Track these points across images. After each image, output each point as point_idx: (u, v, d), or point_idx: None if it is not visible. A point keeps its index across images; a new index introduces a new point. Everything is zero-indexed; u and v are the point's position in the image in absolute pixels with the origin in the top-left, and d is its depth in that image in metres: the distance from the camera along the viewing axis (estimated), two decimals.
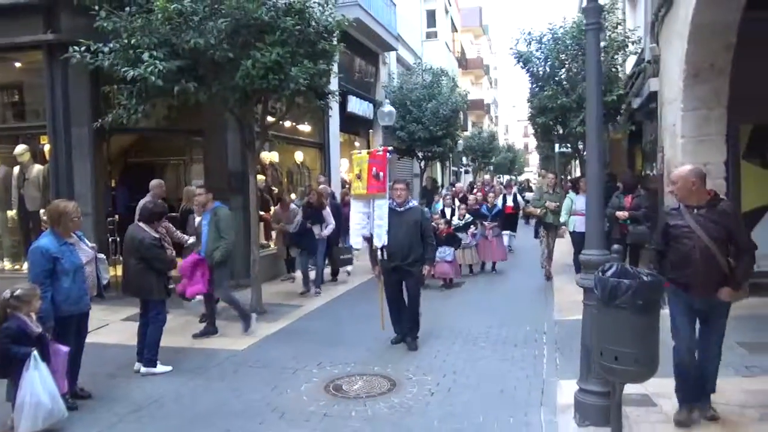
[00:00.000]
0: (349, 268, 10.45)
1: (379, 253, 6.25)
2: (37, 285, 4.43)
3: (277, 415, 4.54)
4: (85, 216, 6.60)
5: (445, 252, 9.26)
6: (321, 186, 10.36)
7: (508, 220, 13.35)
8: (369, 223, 6.24)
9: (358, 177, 6.29)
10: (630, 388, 3.94)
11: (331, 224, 9.22)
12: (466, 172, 35.41)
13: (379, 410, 4.57)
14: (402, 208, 6.17)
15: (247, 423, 4.39)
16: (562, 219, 9.28)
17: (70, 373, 4.67)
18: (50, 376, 4.18)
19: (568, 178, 15.95)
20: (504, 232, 13.24)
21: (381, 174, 6.05)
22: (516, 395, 4.80)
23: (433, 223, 8.97)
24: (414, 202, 6.42)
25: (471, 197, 12.98)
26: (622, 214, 8.01)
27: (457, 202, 11.74)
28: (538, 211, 10.09)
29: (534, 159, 53.30)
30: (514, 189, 18.21)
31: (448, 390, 4.97)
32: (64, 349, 4.50)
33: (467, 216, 10.38)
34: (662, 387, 4.44)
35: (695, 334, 4.03)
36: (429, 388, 5.01)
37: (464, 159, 33.19)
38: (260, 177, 10.64)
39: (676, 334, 4.02)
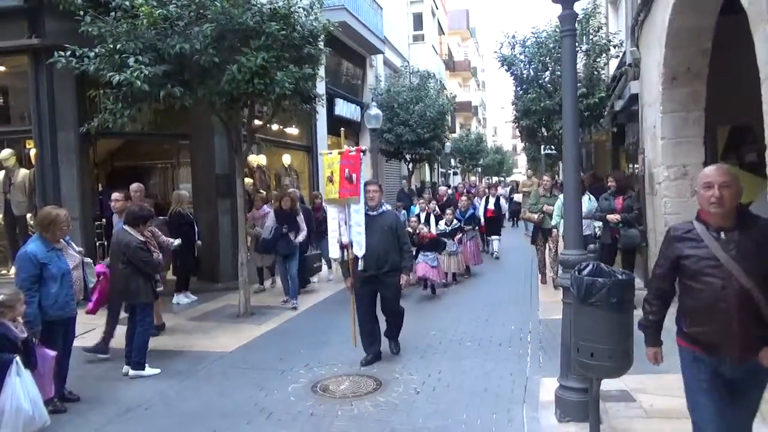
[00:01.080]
0: (315, 278, 10.08)
1: (359, 263, 5.70)
2: (24, 290, 4.46)
3: (264, 415, 4.61)
4: (72, 220, 6.61)
5: (427, 257, 8.94)
6: (290, 190, 9.73)
7: (490, 224, 13.07)
8: (346, 230, 5.70)
9: (330, 180, 5.74)
10: (610, 385, 4.06)
11: (303, 230, 8.74)
12: (455, 173, 35.58)
13: (365, 409, 4.64)
14: (375, 212, 5.72)
15: (235, 423, 4.45)
16: (553, 221, 8.71)
17: (58, 377, 4.70)
18: (33, 382, 4.15)
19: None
20: (489, 237, 13.22)
21: (354, 176, 5.54)
22: (499, 393, 4.89)
23: (408, 228, 8.61)
24: (387, 206, 5.98)
25: (463, 200, 12.25)
26: (613, 218, 7.62)
27: (435, 207, 11.16)
28: (536, 216, 9.35)
29: (523, 160, 53.63)
30: (500, 191, 18.24)
31: (433, 389, 5.06)
32: (51, 353, 4.52)
33: (455, 222, 10.00)
34: (641, 383, 4.59)
35: (727, 412, 2.80)
36: (414, 387, 5.10)
37: (452, 161, 33.34)
38: (248, 180, 10.69)
39: (697, 419, 2.89)
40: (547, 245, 9.35)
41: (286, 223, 8.47)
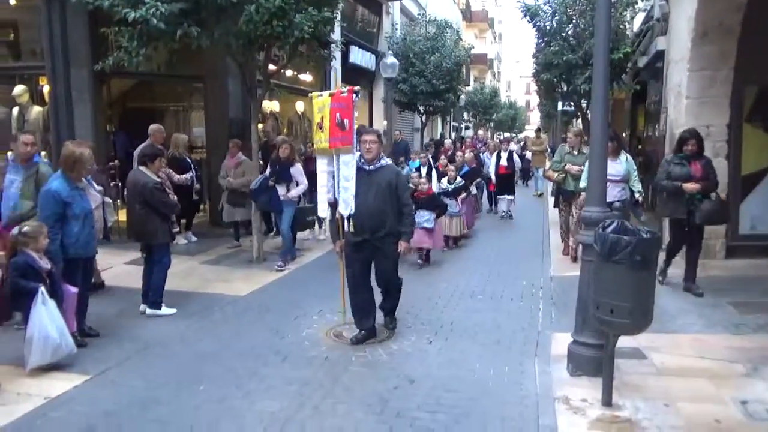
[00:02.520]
0: (308, 233, 9.27)
1: (345, 224, 4.90)
2: (43, 224, 4.50)
3: (279, 358, 4.69)
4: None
5: (423, 217, 7.51)
6: (280, 137, 8.84)
7: (503, 182, 12.37)
8: (334, 185, 5.01)
9: (320, 126, 5.01)
10: (622, 342, 4.07)
11: (303, 184, 7.83)
12: (467, 128, 35.18)
13: (378, 356, 4.72)
14: (372, 167, 4.87)
15: (252, 363, 4.54)
16: (581, 184, 7.25)
17: (78, 313, 4.79)
18: (58, 312, 4.29)
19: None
20: (500, 196, 12.46)
21: (346, 122, 4.82)
22: (511, 346, 4.95)
23: (410, 183, 7.72)
24: (387, 160, 5.12)
25: (459, 155, 11.62)
26: (692, 187, 5.91)
27: (444, 160, 10.21)
28: (555, 175, 8.12)
29: (535, 117, 52.85)
30: (512, 146, 17.84)
31: (445, 339, 5.12)
32: (73, 289, 4.62)
33: (458, 179, 9.04)
34: (653, 341, 4.62)
35: None
36: (427, 337, 5.16)
37: (465, 115, 32.92)
38: (261, 126, 10.58)
39: None
40: (571, 211, 8.04)
41: (276, 175, 7.57)
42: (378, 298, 5.22)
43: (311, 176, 7.25)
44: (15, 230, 4.32)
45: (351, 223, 4.85)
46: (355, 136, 4.84)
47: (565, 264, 7.79)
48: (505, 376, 4.33)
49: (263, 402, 3.89)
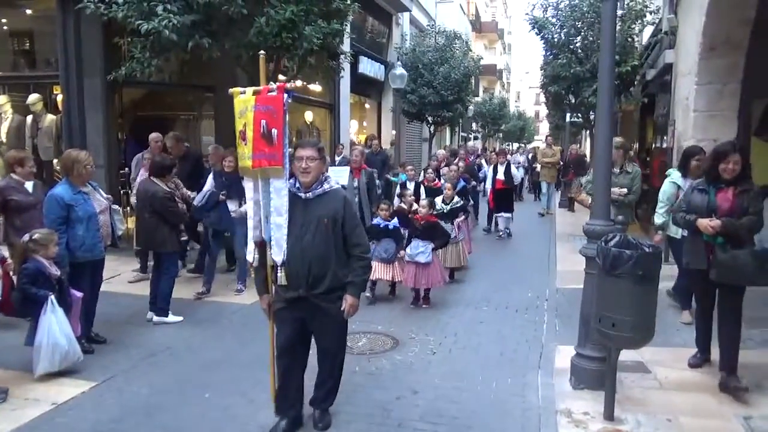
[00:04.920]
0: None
1: (277, 273, 3.47)
2: (54, 231, 4.59)
3: None
4: (97, 167, 6.71)
5: (416, 249, 6.33)
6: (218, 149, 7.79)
7: (500, 198, 10.90)
8: (261, 220, 3.55)
9: (243, 136, 3.50)
10: (626, 355, 4.08)
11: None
12: (475, 138, 35.22)
13: (382, 366, 4.74)
14: (310, 194, 3.48)
15: (255, 373, 4.56)
16: (658, 220, 5.63)
17: (85, 318, 4.86)
18: (66, 320, 4.37)
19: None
20: (498, 214, 11.04)
21: (275, 133, 3.35)
22: (515, 358, 4.96)
23: (402, 203, 7.16)
24: (333, 182, 3.62)
25: (445, 170, 9.77)
26: (712, 225, 4.02)
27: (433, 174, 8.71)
28: (590, 200, 5.35)
29: (544, 128, 52.80)
30: (518, 158, 17.69)
31: (449, 351, 5.14)
32: (78, 294, 4.69)
33: (455, 199, 7.46)
34: (657, 355, 4.62)
35: None
36: (431, 347, 5.18)
37: (474, 125, 32.97)
38: None
39: None
40: None
41: (226, 188, 6.67)
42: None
43: None
44: (26, 237, 4.41)
45: (282, 273, 3.46)
46: (287, 152, 3.38)
47: (570, 276, 7.77)
48: (508, 388, 4.34)
49: (267, 411, 3.91)
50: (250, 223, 3.57)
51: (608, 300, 3.47)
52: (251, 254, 3.61)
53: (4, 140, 9.56)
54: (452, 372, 4.63)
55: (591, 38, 11.13)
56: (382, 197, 8.27)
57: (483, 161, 13.20)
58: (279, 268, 3.47)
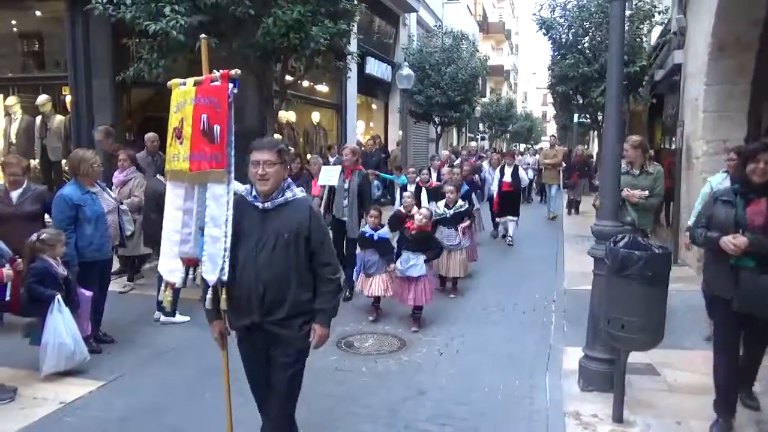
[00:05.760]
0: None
1: (207, 295, 2.90)
2: (61, 231, 4.60)
3: None
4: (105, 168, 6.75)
5: (408, 261, 5.75)
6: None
7: (506, 201, 10.28)
8: (194, 232, 2.97)
9: (177, 134, 3.00)
10: (635, 357, 4.05)
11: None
12: (482, 138, 35.15)
13: (389, 367, 4.73)
14: (269, 204, 2.90)
15: None
16: (690, 220, 5.10)
17: (93, 318, 4.88)
18: (73, 320, 4.38)
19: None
20: (501, 219, 10.51)
21: (217, 130, 2.85)
22: (523, 359, 4.93)
23: (401, 208, 6.57)
24: (296, 190, 3.00)
25: (446, 171, 9.18)
26: (736, 244, 3.29)
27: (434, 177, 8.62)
28: None
29: (552, 128, 52.66)
30: (527, 159, 17.33)
31: (456, 351, 5.12)
32: (87, 293, 4.71)
33: (459, 203, 7.08)
34: (667, 357, 4.58)
35: None
36: (438, 348, 5.16)
37: (481, 126, 32.92)
38: (277, 136, 10.69)
39: None
40: None
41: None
42: None
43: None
44: (33, 236, 4.43)
45: (225, 296, 2.87)
46: (231, 153, 2.85)
47: (578, 277, 7.73)
48: (516, 389, 4.32)
49: None
50: (176, 237, 2.98)
51: (617, 301, 3.44)
52: (177, 274, 3.01)
53: (14, 141, 9.63)
54: (460, 373, 4.61)
55: (599, 38, 11.10)
56: (381, 200, 7.94)
57: (485, 163, 12.11)
58: (212, 289, 2.86)
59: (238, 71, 2.86)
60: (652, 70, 11.22)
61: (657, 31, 11.83)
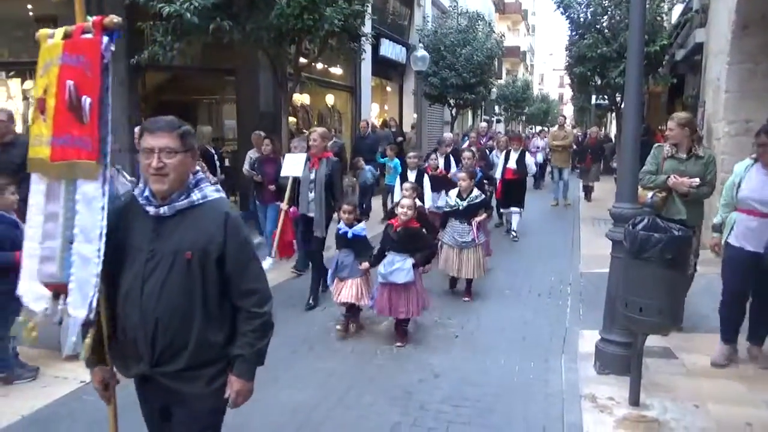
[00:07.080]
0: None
1: (71, 338, 2.38)
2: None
3: (306, 347, 4.76)
4: (122, 152, 6.80)
5: (392, 264, 4.81)
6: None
7: (510, 190, 9.28)
8: (60, 247, 2.07)
9: (41, 107, 2.12)
10: (652, 341, 4.02)
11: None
12: (498, 121, 34.81)
13: (404, 349, 4.74)
14: (166, 208, 2.05)
15: (280, 351, 4.58)
16: (716, 219, 4.41)
17: None
18: None
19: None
20: (504, 210, 9.71)
21: (87, 102, 1.99)
22: (538, 342, 4.92)
23: (403, 207, 4.90)
24: (208, 189, 2.14)
25: (467, 155, 7.73)
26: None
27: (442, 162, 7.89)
28: (649, 195, 4.61)
29: (568, 110, 52.02)
30: (539, 142, 16.79)
31: (471, 334, 5.12)
32: None
33: (474, 192, 6.15)
34: (685, 341, 4.54)
35: None
36: (453, 331, 5.17)
37: (497, 108, 32.58)
38: (291, 119, 10.68)
39: None
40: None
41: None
42: None
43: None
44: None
45: (90, 339, 2.14)
46: (108, 137, 2.05)
47: (594, 260, 7.67)
48: (531, 372, 4.31)
49: (289, 391, 3.95)
50: (37, 251, 2.10)
51: (635, 284, 3.40)
52: (40, 301, 2.11)
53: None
54: (475, 355, 4.61)
55: (618, 17, 10.86)
56: (372, 192, 7.75)
57: (495, 143, 11.00)
58: (85, 327, 2.13)
59: (119, 18, 2.03)
60: (672, 49, 11.00)
61: (678, 9, 11.56)
